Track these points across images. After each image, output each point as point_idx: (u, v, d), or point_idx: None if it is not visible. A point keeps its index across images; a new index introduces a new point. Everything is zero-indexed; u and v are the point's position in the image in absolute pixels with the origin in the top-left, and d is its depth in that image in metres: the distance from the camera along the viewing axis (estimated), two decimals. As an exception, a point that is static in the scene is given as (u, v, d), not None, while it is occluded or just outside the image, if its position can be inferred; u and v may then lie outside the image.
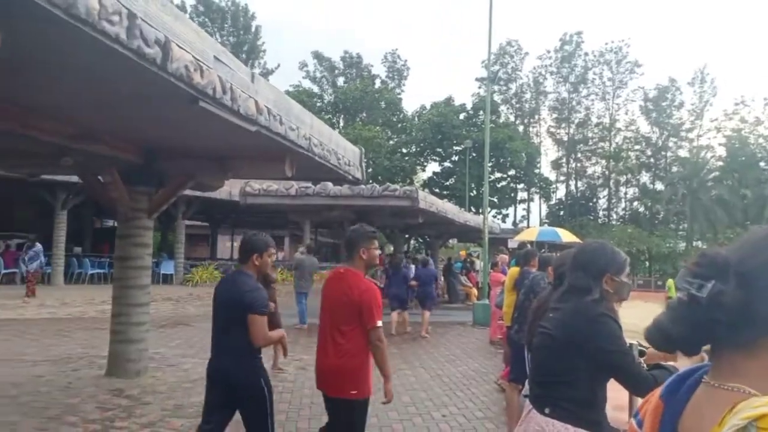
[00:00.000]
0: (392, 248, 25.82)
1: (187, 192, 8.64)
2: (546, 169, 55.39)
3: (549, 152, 58.40)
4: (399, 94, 52.13)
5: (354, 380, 3.39)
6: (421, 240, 33.60)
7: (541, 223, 46.73)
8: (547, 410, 2.34)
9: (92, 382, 6.50)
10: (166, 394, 6.13)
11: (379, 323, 3.39)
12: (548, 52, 54.17)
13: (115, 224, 24.44)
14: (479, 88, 50.52)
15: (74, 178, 14.27)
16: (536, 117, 55.98)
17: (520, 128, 53.58)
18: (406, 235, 26.80)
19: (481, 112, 45.19)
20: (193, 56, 3.72)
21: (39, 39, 3.14)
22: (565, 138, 54.24)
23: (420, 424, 5.44)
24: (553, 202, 54.38)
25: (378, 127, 45.62)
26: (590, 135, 53.83)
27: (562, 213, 51.67)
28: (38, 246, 15.45)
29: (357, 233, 3.61)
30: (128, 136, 6.09)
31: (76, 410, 5.39)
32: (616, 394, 2.59)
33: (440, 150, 47.60)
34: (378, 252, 3.73)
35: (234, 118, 4.52)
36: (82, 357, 7.87)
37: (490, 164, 21.70)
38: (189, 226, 24.32)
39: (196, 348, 8.93)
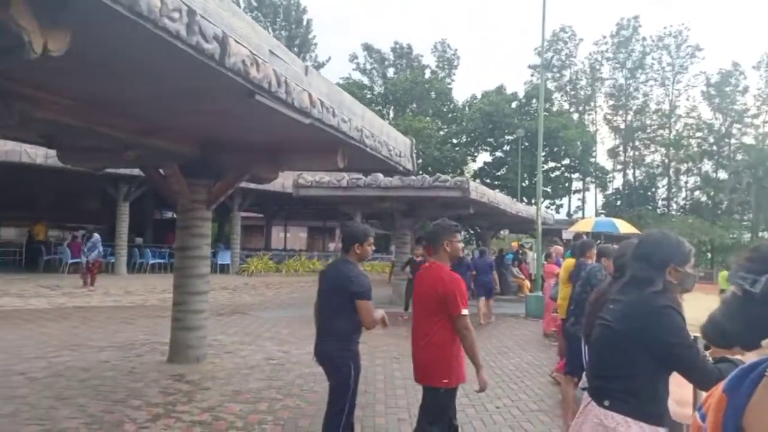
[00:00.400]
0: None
1: (243, 184, 8.85)
2: (602, 158, 53.91)
3: (605, 140, 56.77)
4: (449, 84, 51.71)
5: (445, 370, 3.50)
6: (471, 231, 33.31)
7: (597, 214, 45.55)
8: (606, 403, 2.30)
9: (155, 367, 6.78)
10: (225, 380, 6.33)
11: (465, 311, 3.47)
12: (604, 37, 52.61)
13: (175, 216, 25.23)
14: (532, 75, 49.60)
15: (136, 172, 14.81)
16: (592, 104, 54.45)
17: (575, 116, 52.25)
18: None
19: (534, 101, 44.29)
20: (249, 51, 3.80)
21: (103, 37, 3.26)
22: (623, 126, 52.55)
23: (473, 416, 5.43)
24: (609, 192, 52.86)
25: (428, 118, 45.42)
26: (649, 122, 51.97)
27: (619, 203, 50.19)
28: (96, 236, 16.07)
29: (441, 227, 3.77)
30: (188, 130, 6.29)
31: (140, 394, 5.64)
32: (679, 388, 2.52)
33: (491, 140, 46.98)
34: (461, 245, 3.87)
35: (288, 111, 4.59)
36: (145, 343, 8.21)
37: (543, 153, 21.29)
38: (244, 218, 24.88)
39: (252, 336, 9.17)
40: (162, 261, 21.21)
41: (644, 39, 50.70)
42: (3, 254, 19.81)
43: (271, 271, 22.64)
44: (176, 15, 3.09)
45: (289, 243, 38.13)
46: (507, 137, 45.58)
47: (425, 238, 3.90)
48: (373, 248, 4.03)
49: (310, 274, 22.46)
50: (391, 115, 47.55)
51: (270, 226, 32.71)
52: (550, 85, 50.17)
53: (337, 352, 3.82)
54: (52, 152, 10.53)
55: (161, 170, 7.30)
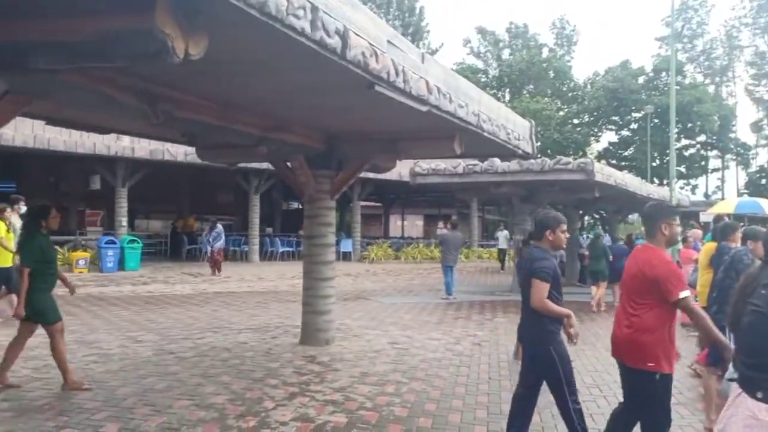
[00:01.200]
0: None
1: (362, 174, 9.10)
2: (743, 133, 48.95)
3: (747, 113, 51.38)
4: (568, 62, 49.38)
5: (650, 353, 3.34)
6: (596, 216, 31.75)
7: (739, 194, 41.51)
8: (759, 394, 2.12)
9: (288, 349, 7.20)
10: (353, 362, 6.59)
11: (682, 294, 3.27)
12: (741, 1, 47.50)
13: (300, 206, 26.53)
14: (660, 48, 46.01)
15: (265, 166, 15.69)
16: (730, 75, 49.54)
17: (711, 89, 47.80)
18: (580, 211, 25.51)
19: (664, 74, 41.08)
20: (368, 42, 3.89)
21: (235, 39, 3.49)
22: (766, 96, 47.30)
23: (604, 407, 5.21)
24: (753, 169, 47.86)
25: (546, 99, 43.74)
26: (798, 91, 46.36)
27: (764, 182, 45.33)
28: (219, 227, 17.18)
29: (657, 208, 3.66)
30: (312, 124, 6.57)
31: (276, 374, 6.03)
32: None
33: (616, 118, 44.27)
34: (679, 228, 3.72)
35: (406, 100, 4.65)
36: (279, 326, 8.75)
37: (676, 130, 19.67)
38: (363, 207, 25.59)
39: (376, 321, 9.45)
40: (290, 249, 22.43)
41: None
42: (150, 245, 21.88)
43: (390, 259, 23.10)
44: (301, 12, 3.23)
45: (407, 231, 38.65)
46: (634, 114, 42.70)
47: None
48: (567, 235, 4.02)
49: (428, 261, 22.65)
50: (507, 97, 46.33)
51: (388, 214, 33.35)
52: (681, 56, 46.24)
53: (534, 335, 3.90)
54: (191, 149, 11.47)
55: (289, 163, 7.69)
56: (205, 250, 18.17)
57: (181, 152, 17.17)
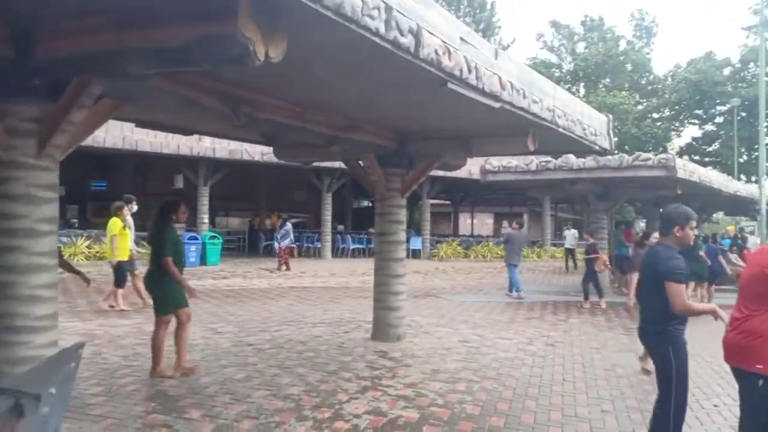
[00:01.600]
0: (644, 223, 23.80)
1: (431, 172, 9.10)
2: None
3: None
4: (647, 54, 47.24)
5: (760, 355, 3.17)
6: (678, 214, 30.19)
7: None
8: None
9: (361, 343, 7.33)
10: (424, 359, 6.62)
11: None
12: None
13: (370, 204, 26.80)
14: (747, 38, 43.14)
15: (337, 165, 16.08)
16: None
17: (807, 77, 44.37)
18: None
19: (752, 65, 38.55)
20: (441, 40, 3.90)
21: (312, 41, 3.59)
22: None
23: (688, 414, 4.98)
24: None
25: (624, 92, 42.00)
26: None
27: None
28: (288, 225, 17.58)
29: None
30: (384, 122, 6.65)
31: (349, 367, 6.15)
32: None
33: (700, 112, 41.91)
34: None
35: (479, 96, 4.62)
36: (351, 321, 8.91)
37: (766, 124, 18.43)
38: (432, 205, 25.56)
39: (446, 318, 9.44)
40: (361, 246, 22.73)
41: None
42: (230, 241, 22.73)
43: (460, 257, 22.96)
44: (375, 13, 3.29)
45: (476, 229, 38.24)
46: (719, 108, 40.28)
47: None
48: (695, 233, 3.91)
49: (499, 260, 22.29)
50: (582, 92, 44.89)
51: (457, 212, 33.14)
52: (774, 44, 43.22)
53: (653, 335, 3.80)
54: (267, 149, 11.86)
55: (361, 162, 7.82)
56: (275, 247, 18.71)
57: (258, 152, 17.79)
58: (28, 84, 3.60)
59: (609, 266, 11.60)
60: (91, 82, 3.60)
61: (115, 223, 9.03)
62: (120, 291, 9.24)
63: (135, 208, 9.69)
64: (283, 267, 16.77)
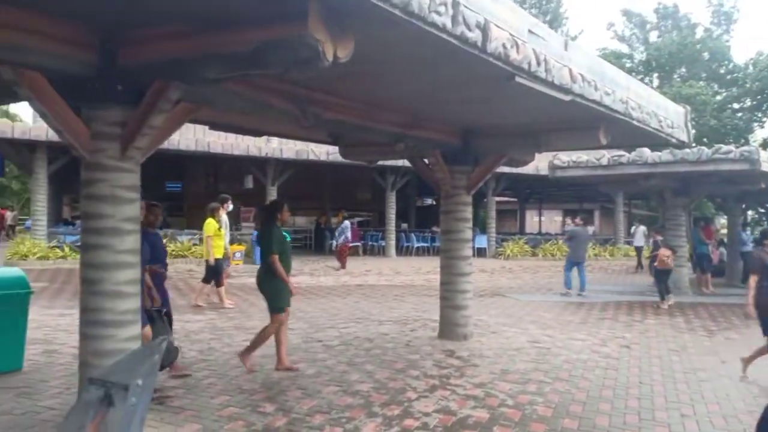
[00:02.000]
0: (725, 220, 22.55)
1: (497, 169, 8.96)
2: None
3: None
4: (726, 41, 44.70)
5: None
6: (762, 210, 28.47)
7: None
8: None
9: (427, 342, 7.31)
10: (492, 358, 6.53)
11: None
12: None
13: (433, 202, 26.67)
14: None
15: (400, 163, 16.12)
16: None
17: None
18: (743, 205, 23.04)
19: None
20: (509, 33, 3.83)
21: (379, 40, 3.59)
22: None
23: None
24: None
25: (701, 82, 39.94)
26: None
27: None
28: (346, 223, 17.61)
29: None
30: (449, 119, 6.61)
31: (417, 366, 6.15)
32: None
33: (787, 101, 39.30)
34: None
35: (548, 90, 4.51)
36: (417, 319, 8.90)
37: None
38: (498, 202, 25.18)
39: (514, 318, 9.27)
40: (425, 245, 22.69)
41: None
42: (297, 239, 23.21)
43: (527, 255, 22.49)
44: (442, 9, 3.26)
45: (544, 227, 37.36)
46: (809, 95, 37.67)
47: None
48: None
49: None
50: (656, 83, 42.99)
51: (524, 209, 32.49)
52: None
53: None
54: (333, 149, 12.02)
55: (426, 159, 7.79)
56: (333, 245, 18.96)
57: (324, 152, 18.10)
58: (113, 90, 3.81)
59: (669, 263, 11.09)
60: (170, 87, 3.76)
61: (210, 224, 9.38)
62: (221, 288, 9.63)
63: (230, 207, 10.11)
64: (340, 264, 16.83)
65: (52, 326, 7.77)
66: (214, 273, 9.51)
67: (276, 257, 5.62)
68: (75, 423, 2.75)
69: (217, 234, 9.35)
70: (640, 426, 4.57)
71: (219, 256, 9.42)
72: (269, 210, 5.97)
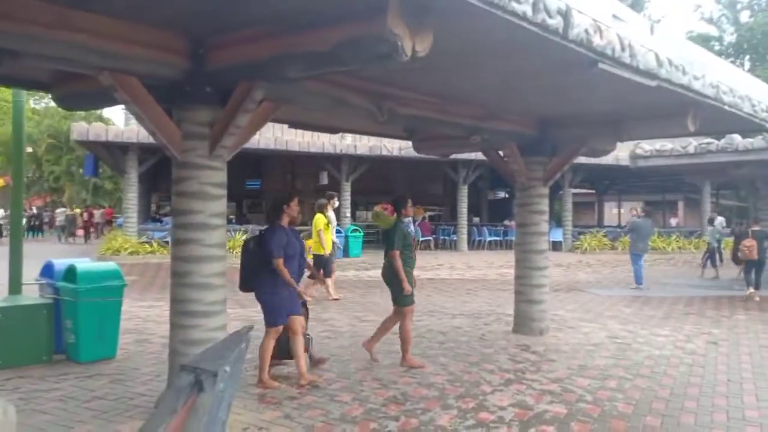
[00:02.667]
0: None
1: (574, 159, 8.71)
2: None
3: None
4: (829, 16, 41.21)
5: None
6: None
7: None
8: None
9: (502, 336, 7.23)
10: (569, 354, 6.38)
11: None
12: None
13: (506, 196, 26.16)
14: None
15: (473, 156, 15.93)
16: None
17: None
18: None
19: None
20: (592, 19, 3.72)
21: (458, 32, 3.58)
22: None
23: None
24: None
25: (799, 63, 37.13)
26: None
27: None
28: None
29: None
30: (525, 110, 6.48)
31: (491, 359, 6.10)
32: None
33: None
34: None
35: (633, 75, 4.35)
36: (490, 313, 8.81)
37: None
38: (574, 194, 24.45)
39: (592, 313, 9.01)
40: (497, 238, 22.37)
41: None
42: (370, 234, 23.46)
43: (606, 249, 21.69)
44: (522, -4, 3.21)
45: (623, 219, 35.90)
46: None
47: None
48: None
49: (650, 252, 20.77)
50: (747, 66, 40.30)
51: (602, 201, 31.37)
52: None
53: None
54: (405, 144, 12.06)
55: (500, 151, 7.68)
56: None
57: (396, 147, 18.21)
58: (202, 92, 4.01)
59: (748, 253, 10.51)
60: (254, 87, 3.91)
61: (320, 219, 9.70)
62: (329, 280, 9.90)
63: (337, 203, 10.46)
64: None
65: (142, 317, 8.24)
66: (325, 265, 9.77)
67: (396, 253, 5.68)
68: (168, 407, 2.91)
69: (326, 228, 9.66)
70: (729, 425, 4.36)
71: (329, 250, 9.73)
72: (395, 205, 5.96)
